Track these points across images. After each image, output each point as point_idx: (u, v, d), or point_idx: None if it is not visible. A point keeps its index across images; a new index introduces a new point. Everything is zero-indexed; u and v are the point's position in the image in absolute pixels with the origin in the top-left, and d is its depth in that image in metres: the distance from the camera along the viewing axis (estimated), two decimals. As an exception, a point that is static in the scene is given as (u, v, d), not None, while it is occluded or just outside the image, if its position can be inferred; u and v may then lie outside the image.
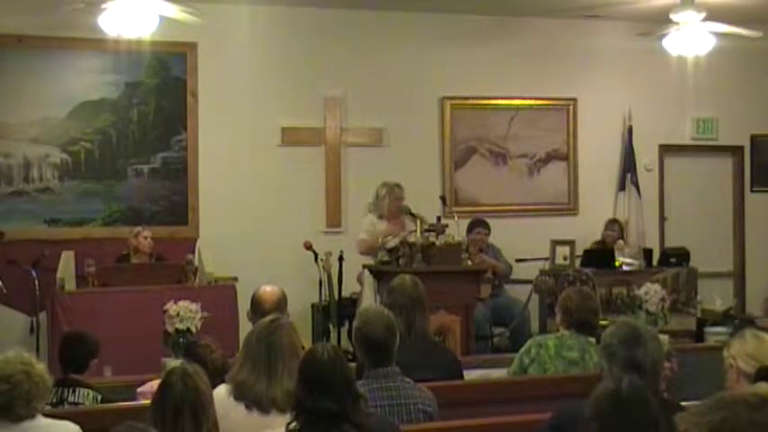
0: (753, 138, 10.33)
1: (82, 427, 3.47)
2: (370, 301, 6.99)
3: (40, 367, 3.32)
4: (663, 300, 6.60)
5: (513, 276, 8.80)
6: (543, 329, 7.78)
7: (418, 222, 7.16)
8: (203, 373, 3.26)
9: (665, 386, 4.31)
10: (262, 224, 8.65)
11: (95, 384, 4.78)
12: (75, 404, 4.19)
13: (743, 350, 3.57)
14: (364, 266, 7.28)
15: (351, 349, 4.36)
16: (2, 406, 3.21)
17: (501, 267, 8.58)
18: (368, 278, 7.33)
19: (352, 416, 3.11)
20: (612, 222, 9.27)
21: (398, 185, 7.61)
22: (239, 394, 3.57)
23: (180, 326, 5.52)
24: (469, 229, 8.50)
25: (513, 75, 9.53)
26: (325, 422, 3.08)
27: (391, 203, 7.51)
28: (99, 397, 4.58)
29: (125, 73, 8.55)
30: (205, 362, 4.06)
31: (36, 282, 7.54)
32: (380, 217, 7.53)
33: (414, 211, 7.46)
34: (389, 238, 7.13)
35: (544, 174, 9.72)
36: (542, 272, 8.50)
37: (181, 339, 5.43)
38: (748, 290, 10.22)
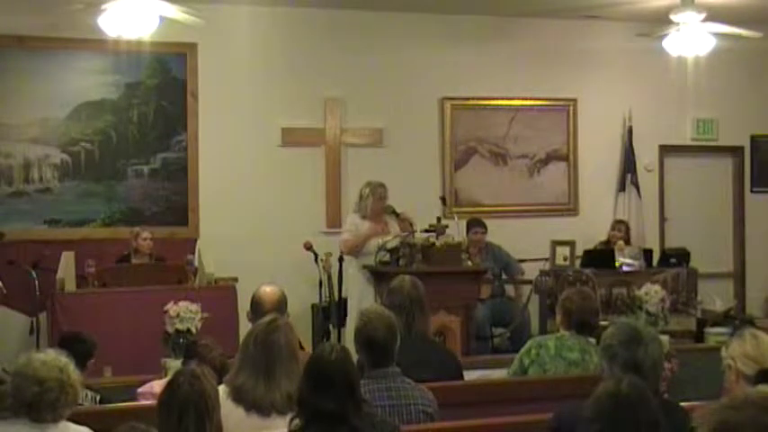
0: (753, 138, 10.33)
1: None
2: (362, 297, 7.01)
3: (75, 377, 3.31)
4: (663, 300, 6.60)
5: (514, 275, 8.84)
6: (543, 330, 7.78)
7: (397, 221, 7.20)
8: (212, 375, 3.26)
9: (666, 387, 4.31)
10: (262, 224, 8.65)
11: (95, 385, 4.79)
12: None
13: (742, 351, 3.55)
14: (364, 266, 7.28)
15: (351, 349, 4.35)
16: (29, 406, 3.22)
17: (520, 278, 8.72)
18: (355, 273, 7.33)
19: (352, 417, 3.11)
20: (619, 223, 9.27)
21: (382, 185, 7.53)
22: (238, 397, 3.57)
23: (180, 326, 5.52)
24: (467, 230, 8.50)
25: (513, 75, 9.53)
26: (326, 421, 3.08)
27: (374, 203, 7.45)
28: (98, 397, 4.59)
29: (125, 73, 8.55)
30: (204, 361, 4.07)
31: (36, 282, 7.53)
32: (364, 217, 7.48)
33: (399, 210, 7.45)
34: (389, 238, 7.13)
35: (544, 174, 9.72)
36: (542, 272, 8.50)
37: (181, 340, 5.42)
38: (748, 290, 10.22)
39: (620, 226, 9.21)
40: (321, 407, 3.08)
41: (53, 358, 3.32)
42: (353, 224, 7.49)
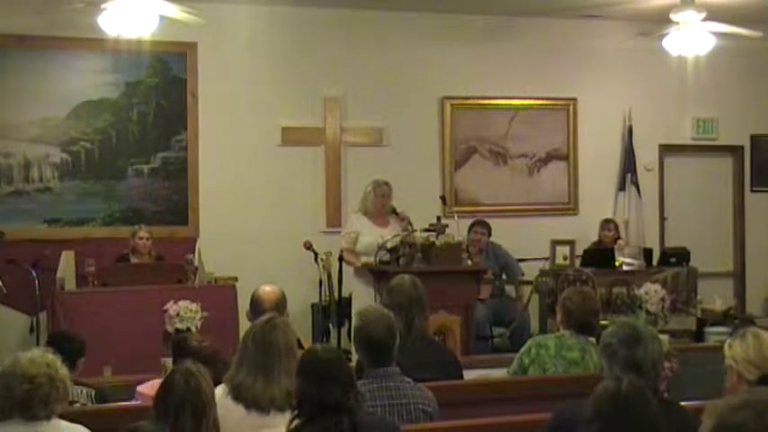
0: (753, 138, 10.32)
1: (81, 428, 3.47)
2: (362, 299, 7.00)
3: (63, 372, 3.34)
4: (663, 300, 6.62)
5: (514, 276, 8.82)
6: (543, 330, 7.78)
7: (398, 220, 7.20)
8: (206, 372, 3.26)
9: (665, 386, 4.31)
10: (261, 224, 8.65)
11: (92, 383, 4.78)
12: (71, 403, 4.18)
13: (744, 356, 3.52)
14: (364, 266, 7.28)
15: (351, 349, 4.35)
16: (20, 404, 3.24)
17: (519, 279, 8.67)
18: (357, 278, 7.33)
19: (354, 409, 3.12)
20: (608, 222, 9.23)
21: (386, 183, 7.55)
22: (237, 395, 3.58)
23: (180, 326, 5.54)
24: (469, 230, 8.51)
25: (513, 75, 9.52)
26: (329, 415, 3.08)
27: (375, 200, 7.48)
28: (93, 393, 4.57)
29: (125, 73, 8.55)
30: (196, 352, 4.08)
31: (36, 282, 7.54)
32: (365, 213, 7.50)
33: (399, 210, 7.44)
34: (390, 238, 7.13)
35: (544, 174, 9.72)
36: (542, 272, 8.50)
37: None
38: (748, 290, 10.22)
39: (610, 225, 9.18)
40: (326, 400, 3.08)
41: (40, 355, 3.35)
42: (351, 225, 7.53)
